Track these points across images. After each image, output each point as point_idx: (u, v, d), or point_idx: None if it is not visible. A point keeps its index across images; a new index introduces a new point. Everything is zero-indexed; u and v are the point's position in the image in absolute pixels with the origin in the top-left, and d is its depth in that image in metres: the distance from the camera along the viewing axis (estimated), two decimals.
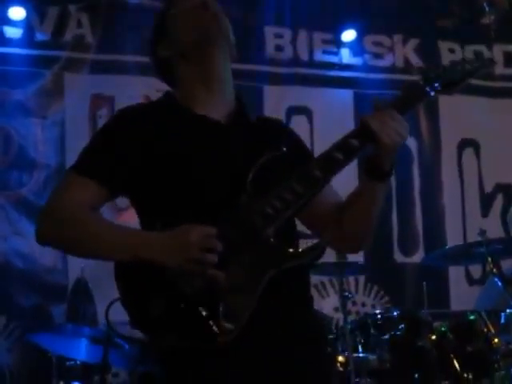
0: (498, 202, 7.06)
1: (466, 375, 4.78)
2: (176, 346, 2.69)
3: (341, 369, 4.77)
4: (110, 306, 2.67)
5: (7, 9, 5.84)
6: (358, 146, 2.75)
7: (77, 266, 5.58)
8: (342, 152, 2.75)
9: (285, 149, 2.90)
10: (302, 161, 2.89)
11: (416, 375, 4.89)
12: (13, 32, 5.89)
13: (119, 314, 2.64)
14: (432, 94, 2.76)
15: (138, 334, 3.01)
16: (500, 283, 5.40)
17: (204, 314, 2.64)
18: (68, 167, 2.87)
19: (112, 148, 2.87)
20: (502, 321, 5.09)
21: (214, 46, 2.93)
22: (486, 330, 4.90)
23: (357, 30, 6.67)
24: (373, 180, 2.85)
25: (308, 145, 2.94)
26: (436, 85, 2.78)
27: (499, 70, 7.08)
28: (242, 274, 2.69)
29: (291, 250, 2.78)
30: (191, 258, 2.57)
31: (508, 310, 5.09)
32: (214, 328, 2.62)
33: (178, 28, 2.98)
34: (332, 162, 2.76)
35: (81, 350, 5.16)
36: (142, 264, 2.65)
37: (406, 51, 6.91)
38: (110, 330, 4.42)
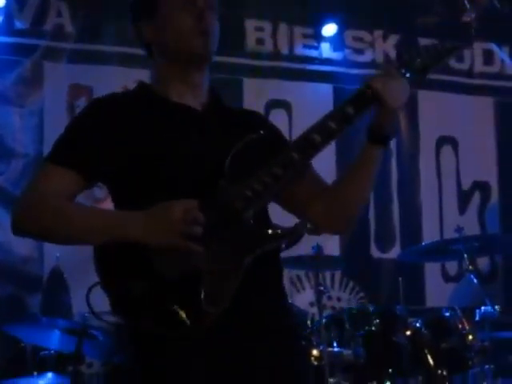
0: (476, 199, 7.11)
1: (439, 371, 4.87)
2: (151, 331, 2.70)
3: (315, 363, 4.78)
4: (89, 290, 2.70)
5: None
6: (353, 113, 2.79)
7: (52, 256, 5.64)
8: (326, 129, 2.79)
9: (262, 132, 2.96)
10: (280, 145, 2.95)
11: (390, 370, 4.92)
12: None
13: (98, 305, 2.70)
14: (407, 75, 2.84)
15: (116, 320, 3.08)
16: (476, 280, 5.47)
17: (185, 297, 2.67)
18: (45, 157, 2.88)
19: (86, 137, 2.88)
20: (477, 318, 5.14)
21: (198, 67, 2.97)
22: (460, 326, 4.99)
23: (337, 25, 6.71)
24: (375, 144, 2.89)
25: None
26: (410, 68, 2.87)
27: (478, 67, 7.21)
28: (223, 257, 2.71)
29: (270, 231, 2.82)
30: (176, 233, 2.59)
31: (483, 308, 5.15)
32: (196, 312, 2.65)
33: (169, 28, 2.95)
34: (311, 143, 2.80)
35: (55, 341, 5.19)
36: (123, 246, 2.67)
37: (386, 47, 6.97)
38: (92, 313, 4.44)
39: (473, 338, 4.99)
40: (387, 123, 2.87)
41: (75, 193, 2.84)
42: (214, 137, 2.89)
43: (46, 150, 5.37)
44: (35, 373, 5.27)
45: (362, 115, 2.79)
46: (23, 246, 5.73)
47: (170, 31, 2.93)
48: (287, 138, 3.08)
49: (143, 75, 3.19)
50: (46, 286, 5.79)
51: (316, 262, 5.11)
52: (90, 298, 2.81)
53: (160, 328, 2.68)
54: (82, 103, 5.93)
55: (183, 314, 2.65)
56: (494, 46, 7.21)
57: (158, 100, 2.96)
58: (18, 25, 6.00)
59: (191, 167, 2.81)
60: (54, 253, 5.60)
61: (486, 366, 5.04)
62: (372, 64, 6.84)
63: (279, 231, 2.83)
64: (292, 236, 2.86)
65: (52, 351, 5.27)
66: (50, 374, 5.18)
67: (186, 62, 2.94)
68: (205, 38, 2.90)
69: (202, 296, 2.64)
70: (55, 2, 6.05)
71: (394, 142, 6.56)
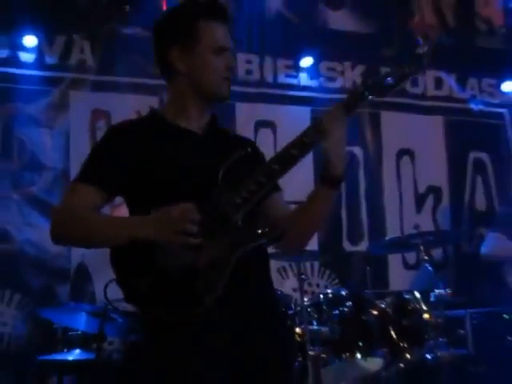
0: (430, 201, 7.23)
1: (401, 344, 4.93)
2: (162, 317, 2.77)
3: (298, 339, 4.82)
4: (107, 285, 2.84)
5: (22, 37, 5.91)
6: (309, 143, 2.81)
7: (78, 253, 5.78)
8: (295, 147, 2.83)
9: (249, 149, 2.98)
10: (262, 160, 3.05)
11: (360, 344, 4.94)
12: (26, 56, 5.97)
13: (115, 293, 2.86)
14: (370, 97, 2.84)
15: (130, 308, 3.19)
16: (430, 268, 5.49)
17: (185, 287, 2.73)
18: (72, 178, 2.96)
19: (106, 159, 2.95)
20: (432, 299, 5.18)
21: (215, 103, 3.06)
22: (418, 306, 5.07)
23: (313, 57, 6.76)
24: (325, 186, 2.90)
25: (272, 152, 2.97)
26: (372, 89, 2.86)
27: (430, 91, 7.34)
28: (217, 253, 2.76)
29: (255, 231, 2.87)
30: (175, 230, 2.67)
31: (437, 291, 5.18)
32: (194, 299, 2.73)
33: (202, 72, 3.00)
34: (287, 157, 2.84)
35: (81, 322, 5.20)
36: (132, 248, 2.73)
37: (353, 75, 7.01)
38: (109, 304, 4.54)
39: (428, 316, 5.05)
40: (334, 169, 2.87)
41: (99, 204, 2.95)
42: (210, 155, 2.95)
43: (72, 164, 5.71)
44: (65, 349, 5.27)
45: (311, 148, 2.83)
46: (54, 245, 5.74)
47: (205, 70, 2.98)
48: (272, 151, 3.02)
49: (152, 101, 3.26)
50: (73, 277, 5.83)
51: (298, 255, 5.12)
52: (107, 292, 2.97)
53: (165, 314, 2.77)
54: (101, 125, 6.03)
55: (183, 302, 2.75)
56: (443, 74, 7.31)
57: (165, 125, 3.04)
58: (48, 60, 6.06)
59: (191, 180, 2.87)
60: (79, 250, 5.60)
61: (440, 339, 5.07)
62: (342, 89, 6.87)
63: (262, 231, 2.88)
64: (272, 234, 2.97)
65: (79, 331, 5.30)
66: (77, 351, 5.18)
67: (211, 98, 3.03)
68: (229, 83, 3.00)
69: (199, 286, 2.73)
70: (78, 40, 6.11)
71: (361, 155, 6.82)
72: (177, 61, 3.00)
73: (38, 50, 6.04)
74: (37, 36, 5.98)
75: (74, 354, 5.16)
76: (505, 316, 5.78)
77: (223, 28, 3.02)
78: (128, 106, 5.86)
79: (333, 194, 2.95)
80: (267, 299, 3.07)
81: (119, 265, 2.80)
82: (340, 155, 2.86)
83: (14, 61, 6.00)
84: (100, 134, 5.86)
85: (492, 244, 5.51)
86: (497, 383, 5.77)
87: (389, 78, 2.94)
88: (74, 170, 5.67)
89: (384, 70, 3.03)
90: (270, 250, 3.23)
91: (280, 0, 6.83)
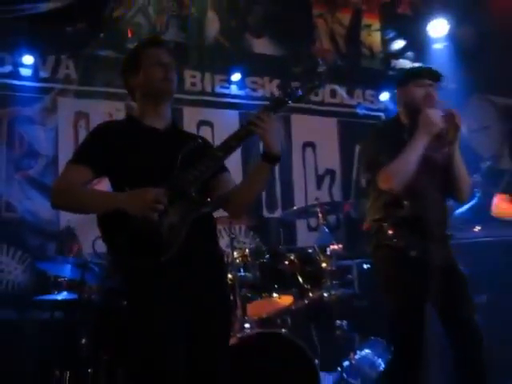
0: (327, 180, 7.31)
1: (306, 286, 4.87)
2: (135, 264, 2.86)
3: (230, 282, 4.66)
4: (94, 241, 2.97)
5: (21, 56, 5.93)
6: (241, 136, 2.96)
7: (65, 219, 5.67)
8: (233, 140, 2.96)
9: (200, 141, 3.17)
10: (210, 149, 3.09)
11: (276, 285, 4.85)
12: (25, 71, 5.97)
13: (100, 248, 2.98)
14: (289, 102, 3.00)
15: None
16: (327, 230, 5.52)
17: (153, 243, 2.82)
18: (68, 160, 3.03)
19: (96, 146, 3.04)
20: (328, 252, 5.15)
21: (165, 101, 3.16)
22: (318, 258, 5.03)
23: (241, 73, 6.81)
24: (265, 163, 3.00)
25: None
26: (291, 96, 2.98)
27: (327, 99, 7.37)
28: (177, 217, 2.86)
29: (204, 200, 3.00)
30: (148, 206, 2.79)
31: (331, 246, 5.16)
32: (163, 247, 2.82)
33: (148, 79, 3.10)
34: (227, 147, 2.96)
35: (67, 271, 5.13)
36: (114, 216, 2.81)
37: (271, 87, 7.05)
38: (94, 253, 4.48)
39: (326, 265, 5.00)
40: (273, 149, 2.97)
41: (88, 181, 3.02)
42: (171, 146, 3.04)
43: (60, 153, 5.77)
44: (55, 292, 5.16)
45: (250, 136, 2.95)
46: (46, 213, 5.79)
47: (149, 79, 3.09)
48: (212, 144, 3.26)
49: (120, 106, 3.28)
50: (61, 238, 5.78)
51: (230, 220, 4.92)
52: (95, 244, 3.06)
53: (137, 261, 2.85)
54: (82, 124, 6.06)
55: (151, 253, 2.82)
56: (336, 86, 7.39)
57: (138, 125, 3.12)
58: (41, 74, 6.07)
59: (158, 165, 2.96)
60: (66, 216, 5.57)
61: (334, 282, 5.02)
62: (263, 98, 6.86)
63: (210, 200, 3.04)
64: (216, 204, 3.11)
65: (66, 278, 5.19)
66: (64, 293, 5.11)
67: (158, 97, 3.12)
68: (170, 82, 3.11)
69: (163, 241, 2.83)
70: (65, 60, 6.12)
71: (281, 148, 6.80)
72: (132, 83, 3.16)
73: (34, 66, 6.04)
74: (33, 56, 5.99)
75: (62, 295, 5.12)
76: None
77: (162, 50, 3.18)
78: (102, 110, 5.98)
79: (269, 171, 3.06)
80: (214, 253, 3.19)
81: (104, 226, 2.88)
82: (274, 140, 2.96)
83: (15, 74, 5.99)
84: (81, 131, 6.02)
85: None
86: (374, 313, 5.86)
87: (299, 91, 3.13)
88: (62, 156, 5.85)
89: (294, 84, 3.17)
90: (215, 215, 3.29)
91: (216, 30, 6.81)
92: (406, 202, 3.64)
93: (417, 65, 4.31)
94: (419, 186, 3.69)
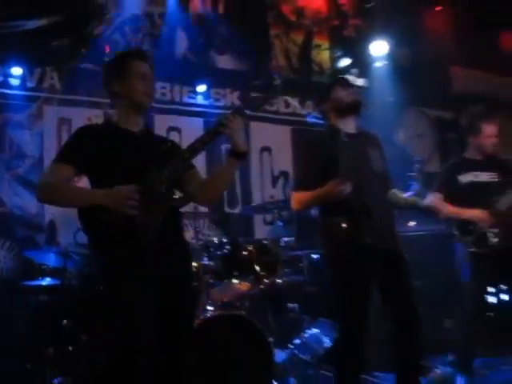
0: (281, 180, 7.30)
1: (262, 273, 4.83)
2: (112, 252, 2.89)
3: (195, 270, 4.60)
4: (75, 232, 2.98)
5: (11, 68, 5.91)
6: (210, 138, 3.03)
7: (49, 213, 5.61)
8: (200, 143, 3.01)
9: (170, 144, 3.24)
10: (178, 151, 3.13)
11: (235, 273, 4.82)
12: (14, 81, 5.95)
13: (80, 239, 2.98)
14: (246, 111, 3.11)
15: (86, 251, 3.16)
16: (281, 224, 5.61)
17: (129, 233, 2.85)
18: (53, 159, 3.06)
19: (77, 147, 3.04)
20: (282, 244, 5.21)
21: (143, 112, 3.23)
22: (273, 248, 4.98)
23: (206, 85, 6.84)
24: (233, 159, 3.08)
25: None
26: (248, 106, 3.18)
27: (281, 109, 7.39)
28: (151, 211, 2.89)
29: (174, 197, 3.12)
30: (122, 203, 2.82)
31: (285, 238, 5.26)
32: (137, 238, 2.86)
33: (130, 89, 3.11)
34: (194, 149, 3.00)
35: (51, 260, 5.17)
36: (93, 209, 2.83)
37: (232, 98, 7.08)
38: (76, 244, 4.45)
39: (279, 255, 5.00)
40: (238, 146, 3.05)
41: (71, 178, 3.05)
42: (145, 148, 3.09)
43: (45, 154, 5.76)
44: (40, 278, 5.12)
45: (218, 137, 3.03)
46: (33, 207, 5.77)
47: (132, 90, 3.11)
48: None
49: (98, 113, 3.25)
50: (46, 230, 5.68)
51: (195, 214, 5.11)
52: (76, 237, 3.05)
53: (115, 249, 2.87)
54: (65, 128, 6.02)
55: (127, 242, 2.86)
56: (289, 98, 7.42)
57: (115, 128, 3.15)
58: (29, 84, 6.04)
59: (133, 165, 2.98)
60: (50, 211, 5.58)
61: (286, 270, 5.07)
62: (225, 107, 6.84)
63: (180, 197, 3.16)
64: (184, 200, 3.24)
65: (50, 266, 5.18)
66: (48, 279, 5.08)
67: (137, 108, 3.15)
68: (149, 97, 3.17)
69: (138, 232, 2.86)
70: (49, 72, 6.10)
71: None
72: (116, 88, 3.16)
73: (22, 77, 6.01)
74: (21, 68, 5.97)
75: (46, 281, 5.10)
76: None
77: (144, 64, 3.20)
78: (83, 116, 5.92)
79: (237, 166, 3.13)
80: (181, 243, 3.22)
81: (84, 219, 2.90)
82: (240, 140, 3.03)
83: (5, 84, 5.96)
84: (64, 135, 6.01)
85: None
86: (322, 297, 5.88)
87: (258, 100, 3.19)
88: (47, 157, 5.80)
89: (253, 94, 3.23)
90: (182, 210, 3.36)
91: (184, 46, 6.82)
92: (353, 199, 3.72)
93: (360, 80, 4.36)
94: (365, 185, 3.82)
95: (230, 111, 3.13)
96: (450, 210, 4.85)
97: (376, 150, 4.10)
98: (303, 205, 4.03)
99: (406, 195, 4.51)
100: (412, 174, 4.84)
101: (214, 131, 3.06)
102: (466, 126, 5.20)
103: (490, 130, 5.02)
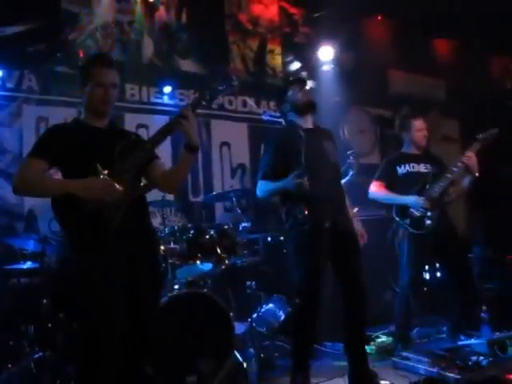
0: (239, 172, 7.26)
1: (223, 255, 4.80)
2: (82, 238, 2.90)
3: (163, 253, 4.70)
4: (50, 222, 2.94)
5: None
6: (166, 131, 3.06)
7: (29, 203, 5.58)
8: (160, 135, 3.05)
9: (134, 137, 3.25)
10: (142, 143, 3.14)
11: (199, 255, 4.78)
12: None
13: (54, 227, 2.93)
14: (203, 102, 3.15)
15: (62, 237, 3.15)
16: (239, 211, 5.59)
17: (98, 220, 2.87)
18: (26, 154, 3.08)
19: (48, 143, 3.05)
20: (240, 228, 5.26)
21: (101, 116, 3.20)
22: (232, 233, 5.00)
23: (171, 87, 6.75)
24: (188, 152, 3.10)
25: None
26: (205, 99, 3.14)
27: (239, 108, 7.31)
28: (118, 199, 2.90)
29: (139, 185, 3.11)
30: (98, 193, 2.85)
31: (243, 224, 5.29)
32: (105, 224, 2.88)
33: (90, 96, 3.15)
34: (155, 140, 3.05)
35: (31, 245, 5.08)
36: (65, 198, 2.84)
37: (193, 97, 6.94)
38: (50, 232, 4.41)
39: (238, 238, 5.03)
40: (192, 141, 3.08)
41: (44, 171, 3.02)
42: (110, 142, 3.05)
43: (24, 149, 5.60)
44: (21, 262, 5.09)
45: (174, 131, 3.05)
46: (13, 198, 5.60)
47: (91, 98, 3.15)
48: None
49: (73, 112, 3.25)
50: (25, 218, 5.64)
51: (162, 202, 5.06)
52: (50, 225, 3.01)
53: (86, 235, 2.88)
54: (42, 126, 5.88)
55: (97, 228, 2.86)
56: (246, 98, 7.37)
57: (83, 125, 3.17)
58: (8, 85, 5.88)
59: (100, 158, 2.97)
60: (29, 201, 5.56)
61: (245, 251, 5.08)
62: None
63: (143, 185, 3.13)
64: (147, 188, 3.20)
65: (29, 250, 5.13)
66: (29, 262, 5.05)
67: (96, 112, 3.17)
68: (106, 104, 3.15)
69: (106, 218, 2.88)
70: (27, 74, 5.94)
71: (200, 144, 6.74)
72: (82, 91, 3.18)
73: (2, 79, 5.84)
74: (1, 70, 5.81)
75: (27, 265, 5.05)
76: (281, 238, 5.83)
77: (106, 70, 3.16)
78: (59, 115, 5.62)
79: (192, 158, 3.15)
80: (147, 228, 3.22)
81: (56, 208, 2.89)
82: (193, 134, 3.06)
83: None
84: (42, 132, 5.80)
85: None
86: (276, 276, 5.98)
87: (211, 93, 3.18)
88: (26, 152, 5.41)
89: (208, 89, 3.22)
90: (150, 199, 3.47)
91: (151, 51, 6.69)
92: (311, 186, 3.77)
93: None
94: (321, 173, 3.93)
95: (185, 106, 3.14)
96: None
97: (330, 143, 4.16)
98: (268, 193, 4.04)
99: (344, 180, 4.60)
100: (350, 161, 4.90)
101: (171, 125, 3.07)
102: (399, 125, 5.32)
103: (418, 124, 5.15)
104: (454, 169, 4.79)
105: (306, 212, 3.77)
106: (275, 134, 4.34)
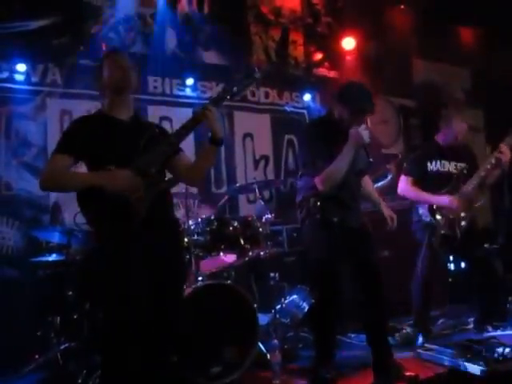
0: (262, 163, 7.28)
1: (246, 246, 4.84)
2: (108, 230, 2.91)
3: (186, 245, 4.69)
4: (75, 215, 2.96)
5: (16, 65, 5.82)
6: (191, 125, 3.06)
7: (54, 195, 5.65)
8: (184, 129, 3.05)
9: (157, 130, 3.21)
10: (165, 136, 3.15)
11: (222, 246, 4.80)
12: (19, 77, 5.86)
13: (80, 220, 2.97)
14: (227, 97, 3.12)
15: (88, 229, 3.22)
16: (262, 202, 5.55)
17: (124, 213, 2.87)
18: (52, 151, 3.07)
19: (73, 138, 3.05)
20: (263, 220, 5.07)
21: (121, 93, 3.15)
22: (256, 224, 4.98)
23: (194, 79, 6.76)
24: (212, 145, 3.11)
25: None
26: (229, 93, 3.12)
27: (262, 99, 7.34)
28: (143, 191, 2.91)
29: (164, 179, 3.14)
30: (122, 184, 2.86)
31: (266, 216, 5.12)
32: (131, 216, 2.88)
33: (108, 78, 3.14)
34: (179, 134, 3.05)
35: (56, 237, 5.11)
36: (91, 192, 2.85)
37: (218, 90, 6.34)
38: (76, 225, 4.44)
39: (262, 230, 4.98)
40: (217, 135, 3.09)
41: (70, 166, 3.04)
42: (134, 134, 3.06)
43: (48, 143, 5.70)
44: (47, 254, 5.16)
45: (198, 124, 3.04)
46: (38, 191, 5.33)
47: (109, 80, 3.14)
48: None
49: (97, 105, 3.30)
50: (50, 210, 5.72)
51: (186, 195, 5.00)
52: (76, 218, 3.04)
53: (111, 228, 2.89)
54: (66, 119, 5.92)
55: (123, 221, 2.87)
56: (268, 90, 7.35)
57: (105, 117, 3.14)
58: (33, 79, 5.94)
59: (125, 151, 2.98)
60: (54, 194, 5.59)
61: (268, 243, 5.03)
62: (209, 98, 6.72)
63: (168, 179, 3.15)
64: (173, 182, 3.23)
65: (55, 243, 5.19)
66: (54, 255, 5.10)
67: (118, 90, 3.13)
68: (121, 81, 3.12)
69: (132, 211, 2.88)
70: (52, 67, 6.01)
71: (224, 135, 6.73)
72: (100, 82, 3.19)
73: (26, 73, 5.90)
74: (25, 64, 5.86)
75: (52, 257, 5.10)
76: None
77: (117, 56, 3.18)
78: (82, 108, 5.66)
79: (216, 150, 3.16)
80: (171, 220, 3.23)
81: (82, 201, 2.90)
82: (218, 127, 3.07)
83: (11, 79, 5.85)
84: (66, 125, 5.92)
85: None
86: (299, 267, 6.02)
87: (235, 88, 3.18)
88: (50, 146, 5.67)
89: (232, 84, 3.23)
90: (174, 191, 3.45)
91: (174, 44, 6.72)
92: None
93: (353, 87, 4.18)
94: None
95: (211, 97, 3.17)
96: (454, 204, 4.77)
97: None
98: (333, 179, 3.80)
99: (381, 183, 4.56)
100: (389, 166, 4.86)
101: (194, 120, 3.06)
102: (437, 114, 5.20)
103: (462, 117, 5.02)
104: (488, 166, 4.69)
105: (319, 203, 3.79)
106: (314, 131, 4.23)
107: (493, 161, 4.65)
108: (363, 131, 3.70)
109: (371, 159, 4.19)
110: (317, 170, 3.81)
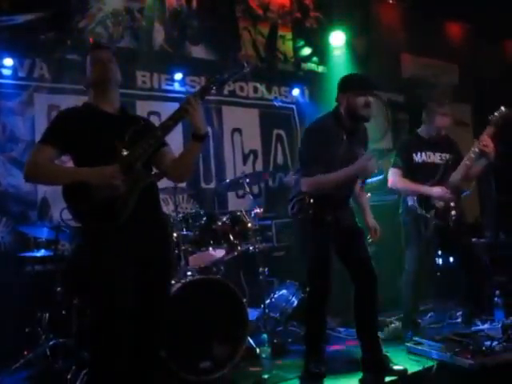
0: (251, 158, 7.26)
1: (235, 241, 4.85)
2: (95, 226, 2.89)
3: (175, 240, 4.73)
4: (62, 211, 2.94)
5: (3, 59, 5.74)
6: (177, 118, 3.00)
7: (41, 190, 5.64)
8: (170, 120, 3.00)
9: (143, 122, 3.17)
10: (152, 129, 3.09)
11: (211, 241, 4.81)
12: (6, 72, 5.79)
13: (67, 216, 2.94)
14: (212, 89, 3.07)
15: (75, 224, 3.18)
16: (251, 197, 5.62)
17: (109, 208, 2.86)
18: (37, 141, 3.06)
19: (58, 129, 3.02)
20: (252, 215, 5.19)
21: (104, 86, 3.14)
22: (244, 219, 4.99)
23: (182, 73, 6.72)
24: (196, 141, 3.06)
25: None
26: (214, 84, 3.07)
27: (251, 94, 7.32)
28: (129, 187, 2.90)
29: (150, 172, 3.11)
30: (107, 180, 2.83)
31: (255, 210, 5.22)
32: (117, 212, 2.87)
33: (93, 73, 3.16)
34: (166, 126, 3.00)
35: (44, 233, 5.10)
36: (78, 186, 2.82)
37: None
38: (62, 221, 4.45)
39: (250, 225, 4.99)
40: (199, 130, 3.03)
41: (54, 159, 3.01)
42: (121, 127, 3.03)
43: (36, 138, 5.61)
44: (35, 249, 5.17)
45: (182, 118, 2.99)
46: (26, 186, 5.63)
47: (93, 73, 3.15)
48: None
49: (85, 100, 3.28)
50: (38, 206, 5.71)
51: (174, 190, 5.07)
52: (62, 214, 3.01)
53: (97, 224, 2.89)
54: (54, 114, 5.54)
55: (108, 217, 2.86)
56: (257, 84, 7.36)
57: (92, 109, 3.12)
58: (20, 74, 5.88)
59: (110, 144, 2.95)
60: (42, 189, 5.63)
61: (257, 238, 5.04)
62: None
63: (154, 173, 3.12)
64: (160, 176, 3.19)
65: (43, 238, 5.17)
66: (42, 250, 5.10)
67: (103, 84, 3.13)
68: (106, 75, 3.12)
69: (117, 207, 2.87)
70: (39, 62, 5.94)
71: (210, 131, 6.69)
72: (86, 78, 3.21)
73: (14, 67, 5.83)
74: (12, 59, 5.80)
75: (41, 252, 5.08)
76: None
77: (99, 51, 3.21)
78: (70, 103, 5.43)
79: (200, 146, 3.10)
80: (158, 215, 3.21)
81: (68, 197, 2.87)
82: (199, 122, 3.00)
83: None
84: None
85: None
86: (288, 261, 6.02)
87: (219, 78, 3.16)
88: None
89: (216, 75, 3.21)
90: (162, 185, 3.35)
91: (162, 38, 6.68)
92: None
93: (355, 74, 4.25)
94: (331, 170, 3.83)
95: (192, 93, 3.10)
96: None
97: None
98: (320, 189, 3.84)
99: (374, 179, 4.58)
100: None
101: (179, 112, 3.01)
102: (420, 107, 5.21)
103: (444, 109, 5.02)
104: (471, 155, 4.71)
105: (312, 201, 3.81)
106: (319, 128, 4.21)
107: (476, 149, 4.66)
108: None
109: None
110: (309, 172, 3.81)
